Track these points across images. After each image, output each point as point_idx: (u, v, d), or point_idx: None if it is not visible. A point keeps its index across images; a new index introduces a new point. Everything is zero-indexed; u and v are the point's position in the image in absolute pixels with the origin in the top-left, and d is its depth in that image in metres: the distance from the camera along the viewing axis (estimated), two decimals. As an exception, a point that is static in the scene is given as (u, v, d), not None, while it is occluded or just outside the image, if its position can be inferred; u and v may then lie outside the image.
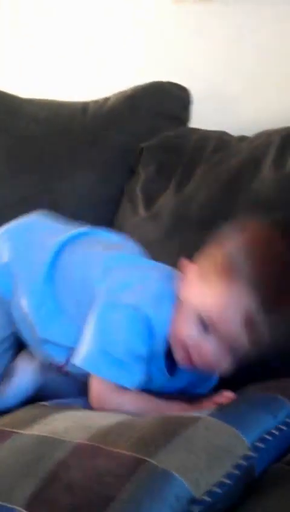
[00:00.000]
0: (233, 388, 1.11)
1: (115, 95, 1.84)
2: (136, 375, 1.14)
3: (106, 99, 1.84)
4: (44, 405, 1.13)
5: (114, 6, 2.04)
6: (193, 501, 0.80)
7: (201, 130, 1.76)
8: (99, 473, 0.85)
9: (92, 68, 2.08)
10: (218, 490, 0.82)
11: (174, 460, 0.85)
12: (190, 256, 1.20)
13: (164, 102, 1.81)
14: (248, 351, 1.07)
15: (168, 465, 0.84)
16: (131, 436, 0.91)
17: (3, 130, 1.81)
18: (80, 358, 1.17)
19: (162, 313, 1.14)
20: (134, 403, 1.14)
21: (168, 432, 0.91)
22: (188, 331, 1.11)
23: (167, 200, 1.63)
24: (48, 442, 0.93)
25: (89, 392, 1.17)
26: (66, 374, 1.28)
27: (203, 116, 1.85)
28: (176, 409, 1.12)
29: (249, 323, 1.04)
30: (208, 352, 1.09)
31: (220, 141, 1.69)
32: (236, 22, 1.86)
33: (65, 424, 0.99)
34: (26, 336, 1.30)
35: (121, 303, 1.15)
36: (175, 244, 1.53)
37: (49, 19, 2.16)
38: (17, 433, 0.98)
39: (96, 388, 1.17)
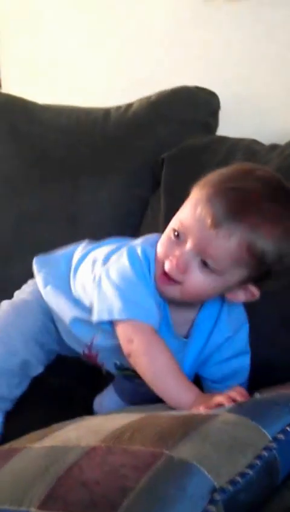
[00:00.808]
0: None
1: (138, 100, 1.89)
2: (151, 311, 1.31)
3: (129, 106, 1.89)
4: (57, 424, 1.17)
5: (142, 7, 2.09)
6: (215, 490, 0.85)
7: (229, 138, 1.78)
8: (115, 467, 0.90)
9: (115, 72, 2.15)
10: (240, 480, 0.87)
11: (193, 451, 0.90)
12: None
13: (191, 108, 1.85)
14: (221, 260, 1.23)
15: (187, 456, 0.89)
16: (147, 434, 0.96)
17: (22, 137, 1.88)
18: (95, 314, 1.34)
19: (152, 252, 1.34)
20: (163, 351, 1.29)
21: (186, 427, 0.97)
22: (164, 246, 1.30)
23: None
24: (59, 450, 0.99)
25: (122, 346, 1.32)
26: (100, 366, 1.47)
27: (232, 123, 1.89)
28: (194, 391, 1.26)
29: (217, 225, 1.21)
30: (181, 256, 1.26)
31: (250, 150, 1.73)
32: (268, 23, 1.90)
33: (77, 433, 1.05)
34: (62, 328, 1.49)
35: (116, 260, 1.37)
36: None
37: (70, 23, 2.25)
38: (27, 447, 1.05)
39: (123, 333, 1.32)
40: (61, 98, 2.02)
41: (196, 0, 1.99)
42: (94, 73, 2.20)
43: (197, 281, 1.27)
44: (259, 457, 0.93)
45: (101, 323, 1.37)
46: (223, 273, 1.25)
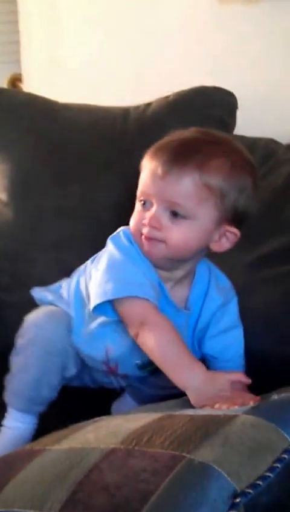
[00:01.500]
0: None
1: (157, 100, 1.90)
2: (145, 286, 1.34)
3: (148, 105, 1.89)
4: (75, 425, 1.15)
5: (160, 7, 2.10)
6: (236, 493, 0.83)
7: (247, 137, 1.77)
8: (136, 471, 0.89)
9: (133, 72, 2.16)
10: (261, 483, 0.85)
11: (213, 454, 0.89)
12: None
13: (209, 107, 1.85)
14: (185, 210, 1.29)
15: (207, 459, 0.87)
16: (165, 437, 0.95)
17: (42, 135, 1.88)
18: (91, 302, 1.38)
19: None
20: (166, 327, 1.33)
21: (205, 430, 0.95)
22: (135, 218, 1.37)
23: None
24: (78, 452, 0.97)
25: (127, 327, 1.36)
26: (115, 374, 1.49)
27: (249, 122, 1.89)
28: (200, 366, 1.30)
29: (166, 172, 1.29)
30: (152, 216, 1.31)
31: (268, 149, 1.74)
32: (285, 24, 1.91)
33: (96, 435, 1.04)
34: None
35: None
36: (218, 263, 1.55)
37: (91, 23, 2.25)
38: (46, 449, 1.03)
39: (126, 316, 1.36)
40: (81, 96, 2.01)
41: (212, 2, 1.99)
42: (114, 73, 2.21)
43: (176, 232, 1.31)
44: (279, 460, 0.91)
45: (107, 323, 1.41)
46: (195, 217, 1.30)
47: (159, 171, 1.30)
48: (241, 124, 1.90)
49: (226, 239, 1.37)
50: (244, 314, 1.52)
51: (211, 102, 1.87)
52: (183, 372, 1.31)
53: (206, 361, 1.47)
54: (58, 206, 1.83)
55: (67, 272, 1.61)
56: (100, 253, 1.45)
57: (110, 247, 1.41)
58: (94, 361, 1.49)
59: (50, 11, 2.37)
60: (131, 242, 1.39)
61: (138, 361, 1.45)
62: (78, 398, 1.58)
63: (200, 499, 0.84)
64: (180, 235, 1.32)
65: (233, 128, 1.90)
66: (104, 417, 1.18)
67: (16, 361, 1.47)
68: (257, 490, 0.86)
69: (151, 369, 1.44)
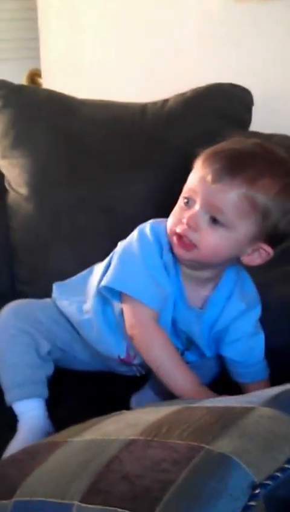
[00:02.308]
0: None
1: (174, 96, 1.89)
2: (153, 295, 1.38)
3: (165, 101, 1.88)
4: (96, 419, 1.15)
5: (176, 5, 2.10)
6: (255, 485, 0.83)
7: (262, 133, 1.76)
8: (155, 461, 0.89)
9: (151, 69, 2.15)
10: (279, 475, 0.84)
11: (232, 446, 0.88)
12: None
13: (225, 104, 1.84)
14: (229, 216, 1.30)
15: (226, 450, 0.87)
16: (184, 429, 0.95)
17: (61, 131, 1.88)
18: (106, 280, 1.41)
19: (162, 226, 1.40)
20: (164, 342, 1.38)
21: (223, 422, 0.95)
22: (175, 215, 1.37)
23: None
24: (99, 443, 0.98)
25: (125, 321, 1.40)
26: (130, 364, 1.51)
27: (264, 119, 1.88)
28: (191, 377, 1.37)
29: (216, 180, 1.29)
30: (192, 216, 1.31)
31: (282, 145, 1.63)
32: None
33: (116, 427, 1.04)
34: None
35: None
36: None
37: (109, 21, 2.25)
38: (68, 441, 1.04)
39: (126, 315, 1.41)
40: (99, 93, 2.01)
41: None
42: (131, 69, 2.20)
43: (211, 237, 1.31)
44: (298, 452, 0.91)
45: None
46: (232, 228, 1.30)
47: (210, 177, 1.30)
48: (256, 121, 1.89)
49: (259, 255, 1.37)
50: (261, 310, 1.51)
51: (227, 99, 1.87)
52: (177, 382, 1.37)
53: (226, 363, 1.51)
54: (77, 200, 1.82)
55: (85, 264, 1.62)
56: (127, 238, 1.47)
57: (134, 236, 1.43)
58: (109, 353, 1.52)
59: (68, 8, 2.36)
60: (156, 238, 1.39)
61: None
62: (100, 389, 1.59)
63: (220, 489, 0.83)
64: (214, 242, 1.32)
65: (249, 125, 1.89)
66: (123, 411, 1.18)
67: None
68: (276, 482, 0.85)
69: None
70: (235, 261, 1.40)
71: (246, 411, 0.99)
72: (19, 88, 2.03)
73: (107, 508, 0.85)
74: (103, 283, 1.43)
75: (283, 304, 1.56)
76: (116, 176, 1.82)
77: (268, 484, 0.85)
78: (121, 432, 1.00)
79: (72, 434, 1.07)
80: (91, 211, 1.80)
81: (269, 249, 1.35)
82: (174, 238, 1.36)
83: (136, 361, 1.52)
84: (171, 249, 1.39)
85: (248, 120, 1.89)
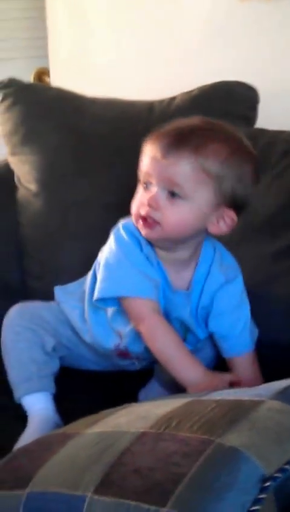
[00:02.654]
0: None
1: (181, 94, 1.88)
2: (145, 285, 1.40)
3: (172, 99, 1.88)
4: (107, 411, 1.16)
5: (181, 5, 2.10)
6: (265, 478, 0.83)
7: (269, 130, 1.77)
8: (167, 454, 0.89)
9: (158, 67, 2.15)
10: (289, 468, 0.85)
11: (242, 439, 0.89)
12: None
13: (231, 102, 1.84)
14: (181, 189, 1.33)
15: (236, 444, 0.87)
16: (194, 421, 0.95)
17: (69, 129, 1.88)
18: (98, 292, 1.43)
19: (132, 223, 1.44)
20: (167, 331, 1.40)
21: (233, 415, 0.95)
22: (136, 201, 1.41)
23: None
24: (110, 436, 0.98)
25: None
26: (127, 356, 1.54)
27: (270, 116, 1.88)
28: (198, 365, 1.39)
29: (165, 154, 1.33)
30: (154, 196, 1.35)
31: (288, 143, 1.71)
32: None
33: (127, 419, 1.04)
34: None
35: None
36: (241, 255, 1.57)
37: (115, 19, 2.25)
38: (79, 433, 1.04)
39: (130, 315, 1.44)
40: (107, 92, 2.00)
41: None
42: (139, 68, 2.20)
43: (173, 212, 1.35)
44: (307, 446, 0.91)
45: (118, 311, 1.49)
46: (191, 198, 1.34)
47: (159, 153, 1.34)
48: (262, 118, 1.89)
49: (224, 222, 1.39)
50: (267, 304, 1.51)
51: (233, 96, 1.86)
52: (184, 371, 1.39)
53: (215, 340, 1.52)
54: (85, 196, 1.83)
55: (93, 260, 1.61)
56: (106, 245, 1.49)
57: (111, 241, 1.46)
58: (105, 348, 1.54)
59: (76, 7, 2.37)
60: (131, 234, 1.43)
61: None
62: (106, 386, 1.60)
63: (230, 483, 0.84)
64: (176, 216, 1.35)
65: (254, 122, 1.88)
66: (133, 403, 1.19)
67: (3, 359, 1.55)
68: (286, 475, 0.86)
69: None
70: (203, 233, 1.42)
71: (255, 404, 1.00)
72: (29, 86, 2.04)
73: (120, 500, 0.85)
74: (95, 297, 1.45)
75: (288, 298, 1.56)
76: (124, 173, 1.79)
77: (278, 477, 0.86)
78: (132, 424, 1.01)
79: (83, 426, 1.07)
80: (99, 207, 1.81)
81: (232, 214, 1.38)
82: (140, 222, 1.39)
83: (133, 354, 1.53)
84: (148, 241, 1.42)
85: (253, 117, 1.89)
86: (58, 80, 2.44)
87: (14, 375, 1.53)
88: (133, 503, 0.84)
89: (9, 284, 1.85)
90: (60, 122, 1.89)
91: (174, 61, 2.12)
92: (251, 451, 0.87)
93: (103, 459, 0.93)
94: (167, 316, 1.47)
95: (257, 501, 0.84)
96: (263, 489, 0.84)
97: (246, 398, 1.04)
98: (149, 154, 1.37)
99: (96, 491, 0.88)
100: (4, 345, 1.56)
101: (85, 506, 0.87)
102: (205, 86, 1.88)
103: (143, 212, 1.38)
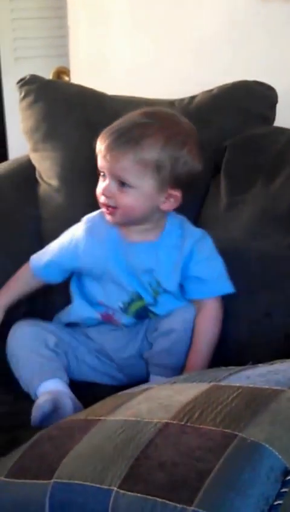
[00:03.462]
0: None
1: (201, 93, 1.88)
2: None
3: (192, 98, 1.88)
4: (127, 393, 1.17)
5: (202, 4, 2.10)
6: (287, 471, 0.83)
7: (288, 129, 1.78)
8: (190, 448, 0.89)
9: (178, 67, 2.15)
10: None
11: (264, 433, 0.88)
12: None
13: (250, 101, 1.85)
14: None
15: (258, 438, 0.87)
16: (216, 413, 0.95)
17: (90, 126, 1.82)
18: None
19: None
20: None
21: (253, 406, 0.95)
22: (98, 188, 1.56)
23: (252, 200, 1.67)
24: (133, 426, 0.97)
25: None
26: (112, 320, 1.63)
27: (287, 116, 1.88)
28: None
29: (109, 151, 1.50)
30: (106, 187, 1.52)
31: None
32: None
33: (147, 406, 1.03)
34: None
35: None
36: (261, 244, 1.60)
37: (135, 19, 2.25)
38: (101, 419, 1.03)
39: None
40: (127, 91, 1.99)
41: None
42: (159, 68, 2.20)
43: (124, 198, 1.51)
44: None
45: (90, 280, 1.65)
46: (137, 186, 1.50)
47: (104, 151, 1.51)
48: (281, 117, 1.89)
49: (174, 199, 1.54)
50: (284, 296, 1.51)
51: (252, 96, 1.86)
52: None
53: (187, 283, 1.60)
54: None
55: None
56: None
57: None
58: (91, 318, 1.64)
59: (97, 7, 2.36)
60: (88, 220, 1.63)
61: (119, 304, 1.60)
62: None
63: (254, 478, 0.84)
64: (128, 201, 1.51)
65: (273, 121, 1.88)
66: (152, 385, 1.18)
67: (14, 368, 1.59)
68: (308, 467, 0.85)
69: (134, 310, 1.60)
70: (159, 211, 1.56)
71: (275, 394, 0.99)
72: (50, 83, 2.03)
73: (146, 496, 0.85)
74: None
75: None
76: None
77: (302, 471, 0.85)
78: (153, 413, 1.00)
79: (104, 411, 1.07)
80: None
81: (177, 192, 1.53)
82: (104, 209, 1.56)
83: (119, 321, 1.62)
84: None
85: (271, 117, 1.89)
86: (78, 79, 2.43)
87: (26, 373, 1.55)
88: (159, 500, 0.84)
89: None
90: (81, 119, 1.88)
91: (194, 60, 2.12)
92: (273, 445, 0.87)
93: (127, 451, 0.92)
94: (136, 277, 1.58)
95: (279, 495, 0.84)
96: (285, 483, 0.84)
97: (266, 386, 1.03)
98: (99, 153, 1.54)
99: (122, 485, 0.87)
100: (11, 351, 1.60)
101: (111, 501, 0.86)
102: (225, 85, 1.88)
103: (102, 201, 1.55)
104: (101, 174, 1.55)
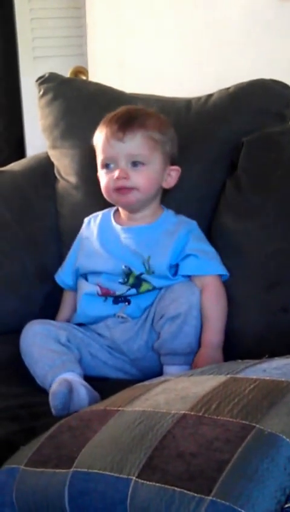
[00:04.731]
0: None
1: (217, 92, 1.87)
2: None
3: (209, 96, 1.87)
4: (144, 384, 1.17)
5: (220, 4, 2.10)
6: (304, 464, 0.82)
7: None
8: (208, 439, 0.89)
9: (196, 66, 2.14)
10: None
11: (281, 424, 0.88)
12: None
13: (267, 99, 1.83)
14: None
15: (275, 429, 0.87)
16: (234, 405, 0.95)
17: None
18: None
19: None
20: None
21: (270, 398, 0.95)
22: (104, 179, 1.66)
23: (268, 198, 1.66)
24: (151, 416, 0.98)
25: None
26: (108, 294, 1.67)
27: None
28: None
29: (121, 135, 1.62)
30: (120, 171, 1.61)
31: None
32: None
33: (165, 397, 1.04)
34: None
35: None
36: (278, 239, 1.60)
37: (153, 18, 2.25)
38: (120, 410, 1.04)
39: None
40: (144, 88, 2.00)
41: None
42: (178, 67, 2.20)
43: (141, 176, 1.62)
44: None
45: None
46: (150, 162, 1.63)
47: (119, 135, 1.62)
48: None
49: (171, 177, 1.68)
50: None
51: (269, 94, 1.85)
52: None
53: (189, 264, 1.64)
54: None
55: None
56: None
57: None
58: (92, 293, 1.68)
59: (115, 7, 2.36)
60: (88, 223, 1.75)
61: (120, 280, 1.66)
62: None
63: (271, 469, 0.84)
64: (143, 178, 1.62)
65: (289, 119, 1.87)
66: (168, 377, 1.17)
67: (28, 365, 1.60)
68: None
69: (131, 283, 1.65)
70: (160, 192, 1.69)
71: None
72: (69, 81, 2.04)
73: (165, 486, 0.85)
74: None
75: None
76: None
77: (317, 463, 0.85)
78: (171, 404, 1.00)
79: (122, 402, 1.07)
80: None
81: (176, 167, 1.68)
82: (115, 195, 1.66)
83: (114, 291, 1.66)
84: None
85: (287, 115, 1.87)
86: (95, 78, 2.43)
87: (40, 369, 1.55)
88: (177, 489, 0.84)
89: (46, 268, 1.86)
90: (100, 117, 1.86)
91: (212, 59, 2.12)
92: (290, 436, 0.86)
93: (145, 441, 0.92)
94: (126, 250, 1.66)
95: (297, 485, 0.83)
96: (302, 475, 0.83)
97: (282, 379, 1.03)
98: (109, 140, 1.63)
99: (141, 474, 0.87)
100: (24, 350, 1.61)
101: (130, 490, 0.87)
102: (242, 83, 1.87)
103: (118, 185, 1.63)
104: (106, 164, 1.65)
